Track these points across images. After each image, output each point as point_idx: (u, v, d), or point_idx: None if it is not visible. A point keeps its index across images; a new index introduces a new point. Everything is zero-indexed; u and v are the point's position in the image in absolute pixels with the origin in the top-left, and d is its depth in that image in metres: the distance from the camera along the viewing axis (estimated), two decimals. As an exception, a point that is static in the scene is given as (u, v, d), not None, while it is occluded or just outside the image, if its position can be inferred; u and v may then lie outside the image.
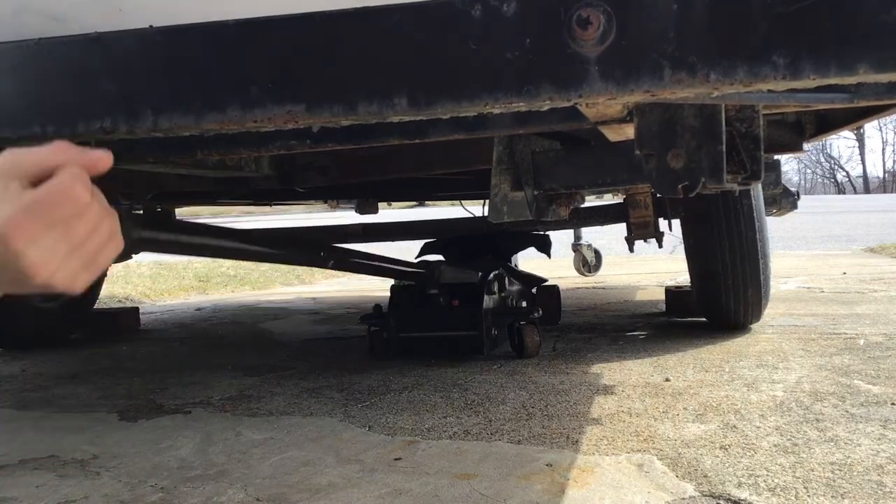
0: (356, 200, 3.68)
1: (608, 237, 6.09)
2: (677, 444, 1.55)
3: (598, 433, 1.65)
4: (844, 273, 4.59)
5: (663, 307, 3.25)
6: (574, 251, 4.68)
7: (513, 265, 3.13)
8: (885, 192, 45.61)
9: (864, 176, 52.60)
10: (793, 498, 1.27)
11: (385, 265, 2.03)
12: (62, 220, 0.58)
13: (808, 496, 1.27)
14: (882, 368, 2.10)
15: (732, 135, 0.93)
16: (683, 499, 1.29)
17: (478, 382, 2.16)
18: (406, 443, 1.65)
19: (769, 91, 0.67)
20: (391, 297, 2.55)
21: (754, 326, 2.79)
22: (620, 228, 2.58)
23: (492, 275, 2.52)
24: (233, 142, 1.08)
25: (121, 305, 4.17)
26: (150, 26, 0.75)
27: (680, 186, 0.85)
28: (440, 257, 2.98)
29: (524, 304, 2.70)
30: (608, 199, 3.62)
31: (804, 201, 4.60)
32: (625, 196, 2.50)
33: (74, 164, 0.60)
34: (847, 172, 54.61)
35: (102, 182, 0.66)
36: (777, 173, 2.24)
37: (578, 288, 4.37)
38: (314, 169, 1.93)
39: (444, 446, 1.62)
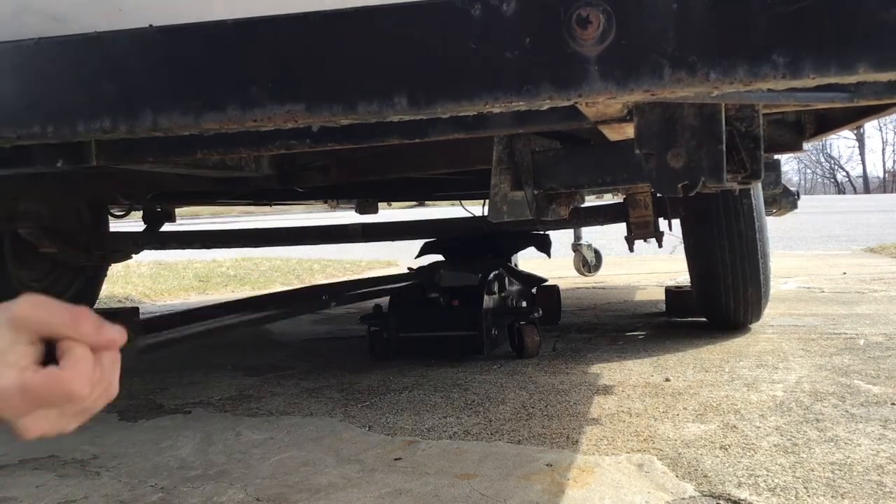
0: (356, 200, 3.68)
1: (608, 237, 6.09)
2: (677, 444, 1.55)
3: (598, 433, 1.65)
4: (844, 273, 4.59)
5: (663, 307, 3.25)
6: (574, 251, 4.68)
7: (513, 265, 3.13)
8: (885, 192, 45.61)
9: (864, 176, 52.61)
10: (793, 498, 1.27)
11: (384, 287, 2.04)
12: (56, 405, 0.60)
13: (808, 496, 1.27)
14: (882, 368, 2.10)
15: (732, 134, 0.93)
16: (683, 499, 1.29)
17: (478, 382, 2.16)
18: (406, 443, 1.65)
19: (769, 90, 0.66)
20: (391, 298, 2.55)
21: (754, 326, 2.79)
22: (620, 228, 2.58)
23: (492, 275, 2.52)
24: (232, 141, 1.08)
25: (121, 305, 4.17)
26: (150, 26, 0.75)
27: (680, 186, 0.85)
28: (440, 257, 2.98)
29: (524, 304, 2.70)
30: (608, 199, 3.62)
31: (804, 201, 4.59)
32: (625, 196, 2.50)
33: (89, 342, 0.61)
34: (847, 172, 54.63)
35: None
36: (777, 173, 2.24)
37: (578, 288, 4.36)
38: (314, 169, 1.93)
39: (444, 446, 1.62)
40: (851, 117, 1.36)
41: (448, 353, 2.49)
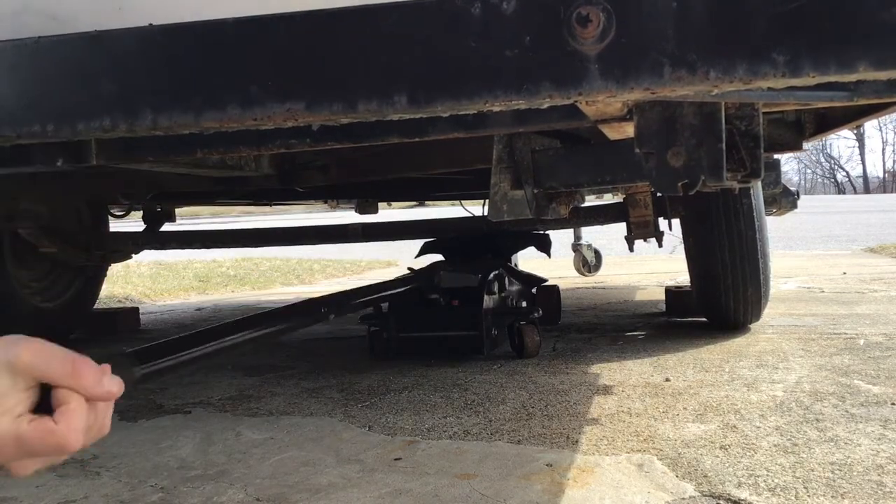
0: (356, 200, 3.68)
1: (608, 237, 6.10)
2: (677, 444, 1.55)
3: (598, 433, 1.65)
4: (844, 273, 4.59)
5: (663, 307, 3.25)
6: (574, 251, 4.68)
7: (513, 265, 3.13)
8: (885, 192, 45.63)
9: (864, 176, 52.63)
10: (793, 498, 1.27)
11: (383, 293, 2.04)
12: (49, 455, 0.60)
13: (808, 496, 1.27)
14: (882, 368, 2.10)
15: (732, 133, 0.93)
16: (683, 499, 1.29)
17: (478, 382, 2.16)
18: (406, 443, 1.65)
19: (769, 89, 0.67)
20: (391, 298, 2.55)
21: (754, 326, 2.79)
22: (620, 228, 2.58)
23: (492, 275, 2.52)
24: (233, 140, 1.08)
25: (121, 305, 4.17)
26: (150, 24, 0.75)
27: (680, 184, 0.85)
28: (440, 257, 2.98)
29: (524, 304, 2.70)
30: (608, 199, 3.62)
31: (804, 201, 4.59)
32: (625, 195, 2.50)
33: (88, 393, 0.61)
34: (847, 172, 54.66)
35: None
36: (777, 173, 2.24)
37: (578, 288, 4.36)
38: (314, 168, 1.93)
39: (444, 446, 1.62)
40: (851, 116, 1.36)
41: (448, 353, 2.49)
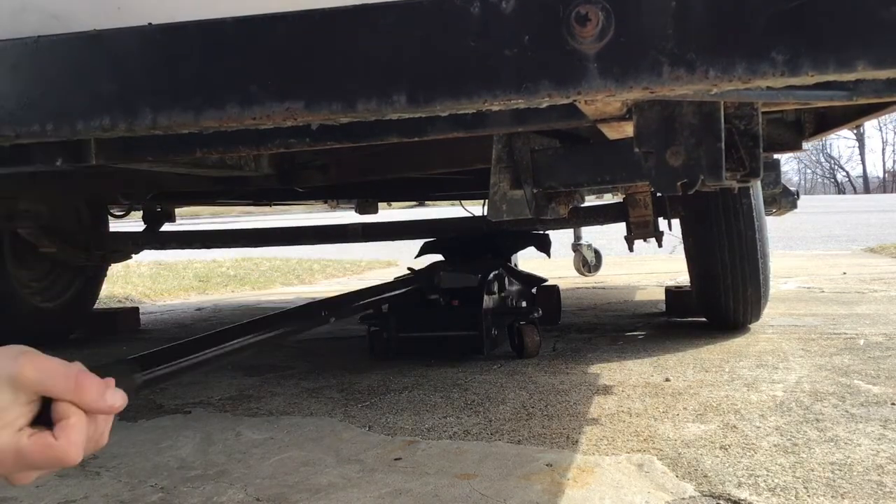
0: (356, 200, 3.68)
1: (608, 237, 6.10)
2: (677, 444, 1.55)
3: (598, 433, 1.65)
4: (844, 273, 4.59)
5: (663, 307, 3.25)
6: (574, 251, 4.68)
7: (513, 265, 3.13)
8: (885, 192, 45.63)
9: (864, 176, 52.63)
10: (793, 498, 1.27)
11: (382, 295, 2.05)
12: (47, 468, 0.61)
13: (808, 496, 1.27)
14: (882, 368, 2.10)
15: (731, 132, 0.93)
16: (683, 499, 1.29)
17: (478, 382, 2.16)
18: (406, 443, 1.65)
19: (768, 88, 0.67)
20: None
21: (754, 326, 2.79)
22: (620, 228, 2.58)
23: (491, 275, 2.52)
24: (232, 140, 1.08)
25: (121, 305, 4.17)
26: (149, 24, 0.75)
27: (679, 184, 0.85)
28: (440, 256, 2.98)
29: (524, 304, 2.70)
30: (608, 199, 3.62)
31: (804, 201, 4.59)
32: (624, 195, 2.50)
33: (90, 408, 0.61)
34: (847, 172, 54.67)
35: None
36: (777, 173, 2.24)
37: (578, 288, 4.36)
38: (314, 168, 1.93)
39: (444, 446, 1.62)
40: (851, 116, 1.36)
41: (448, 353, 2.49)
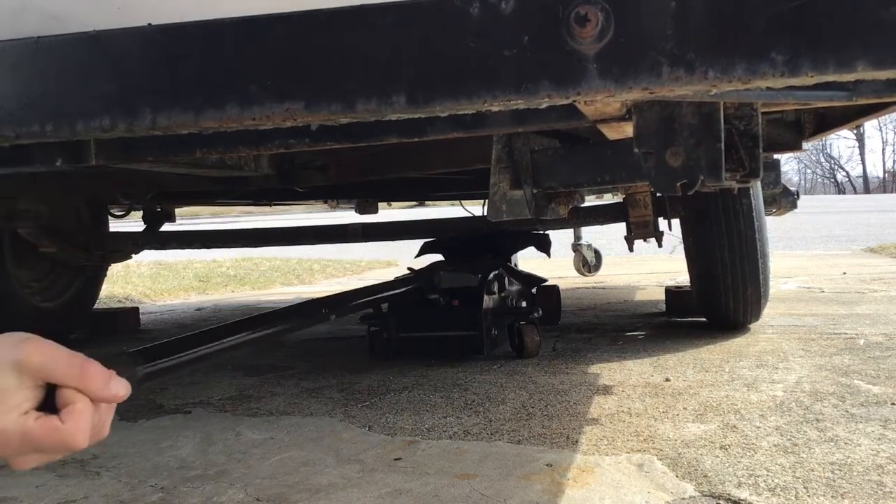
0: (356, 200, 3.68)
1: (608, 237, 6.10)
2: (677, 444, 1.55)
3: (598, 433, 1.65)
4: (844, 273, 4.59)
5: (663, 307, 3.25)
6: (574, 251, 4.68)
7: (513, 265, 3.13)
8: (885, 192, 45.62)
9: (864, 176, 52.63)
10: (793, 498, 1.27)
11: (382, 294, 2.05)
12: (52, 452, 0.61)
13: (808, 496, 1.27)
14: (882, 368, 2.10)
15: (731, 133, 0.93)
16: (683, 499, 1.29)
17: (478, 382, 2.16)
18: (406, 443, 1.65)
19: (768, 88, 0.67)
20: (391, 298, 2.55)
21: (754, 326, 2.79)
22: (620, 228, 2.58)
23: (491, 275, 2.52)
24: (232, 140, 1.08)
25: (121, 305, 4.17)
26: (149, 24, 0.75)
27: (678, 184, 0.85)
28: (440, 256, 2.98)
29: (524, 304, 2.70)
30: (608, 199, 3.62)
31: (804, 201, 4.59)
32: (624, 195, 2.50)
33: (95, 395, 0.61)
34: (847, 172, 54.67)
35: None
36: (776, 173, 2.24)
37: (578, 288, 4.36)
38: (313, 168, 1.93)
39: (444, 446, 1.62)
40: (851, 116, 1.36)
41: (448, 353, 2.49)
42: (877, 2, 0.61)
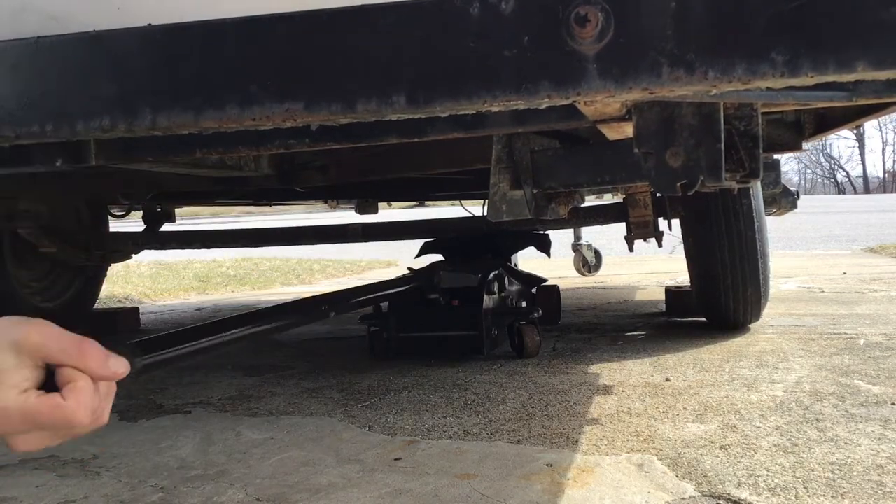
0: (356, 200, 3.68)
1: (608, 237, 6.10)
2: (677, 444, 1.55)
3: (598, 433, 1.65)
4: (844, 273, 4.59)
5: (663, 307, 3.25)
6: (574, 251, 4.68)
7: (513, 265, 3.13)
8: (885, 192, 45.63)
9: (864, 176, 52.63)
10: (793, 498, 1.27)
11: (382, 293, 2.05)
12: (54, 430, 0.61)
13: (808, 496, 1.27)
14: (882, 368, 2.10)
15: (731, 133, 0.93)
16: (683, 499, 1.29)
17: (478, 382, 2.16)
18: (406, 443, 1.65)
19: (768, 89, 0.67)
20: (391, 298, 2.55)
21: (754, 326, 2.79)
22: (620, 228, 2.58)
23: (491, 275, 2.52)
24: (232, 140, 1.08)
25: (121, 305, 4.17)
26: (149, 24, 0.75)
27: (678, 184, 0.85)
28: (440, 257, 2.98)
29: (524, 304, 2.70)
30: (608, 199, 3.62)
31: (804, 201, 4.59)
32: (624, 196, 2.50)
33: (94, 373, 0.61)
34: (847, 172, 54.67)
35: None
36: (776, 173, 2.24)
37: (578, 288, 4.37)
38: (313, 168, 1.93)
39: (444, 446, 1.62)
40: (851, 116, 1.36)
41: (448, 353, 2.49)
42: (877, 2, 0.61)
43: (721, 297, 2.61)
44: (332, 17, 0.71)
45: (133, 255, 3.28)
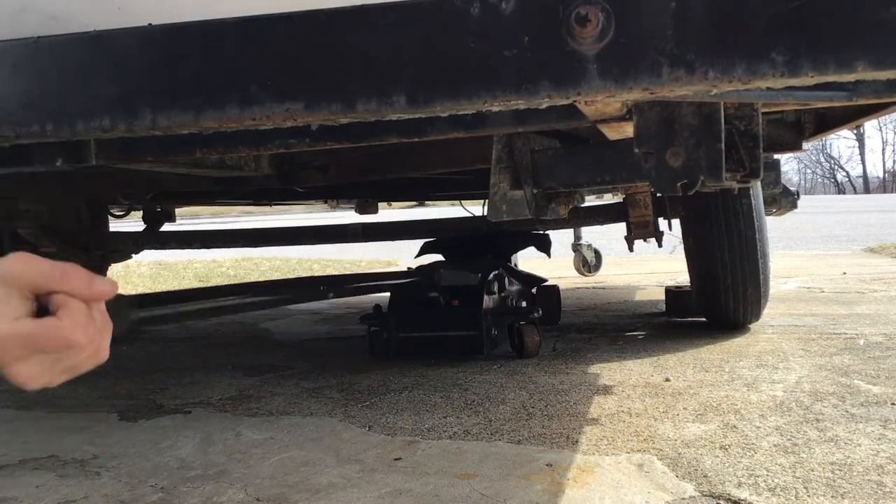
0: (356, 200, 3.68)
1: (608, 237, 6.10)
2: (677, 444, 1.55)
3: (598, 433, 1.65)
4: (844, 273, 4.59)
5: (663, 307, 3.25)
6: (574, 251, 4.68)
7: (513, 265, 3.13)
8: (885, 192, 45.63)
9: (864, 176, 52.62)
10: (793, 498, 1.27)
11: (382, 283, 2.05)
12: (53, 352, 0.61)
13: (808, 496, 1.27)
14: (882, 368, 2.10)
15: (731, 133, 0.93)
16: (683, 499, 1.29)
17: (478, 382, 2.16)
18: (406, 443, 1.65)
19: (768, 89, 0.67)
20: (391, 297, 2.55)
21: (754, 326, 2.79)
22: (620, 228, 2.58)
23: (492, 275, 2.52)
24: (232, 140, 1.08)
25: (121, 306, 4.16)
26: (149, 24, 0.75)
27: (679, 184, 0.85)
28: (440, 256, 2.98)
29: (524, 304, 2.70)
30: (608, 199, 3.62)
31: (804, 201, 4.59)
32: (624, 195, 2.50)
33: (81, 294, 0.62)
34: (847, 172, 54.66)
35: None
36: (777, 173, 2.24)
37: (578, 288, 4.37)
38: (313, 168, 1.93)
39: (444, 446, 1.62)
40: (851, 116, 1.36)
41: (448, 353, 2.49)
42: (877, 2, 0.61)
43: (721, 297, 2.61)
44: (332, 17, 0.71)
45: (133, 255, 3.28)
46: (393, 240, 3.11)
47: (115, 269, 5.19)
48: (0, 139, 0.81)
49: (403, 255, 5.93)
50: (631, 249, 2.61)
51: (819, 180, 57.50)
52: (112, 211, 3.14)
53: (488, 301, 2.43)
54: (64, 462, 1.63)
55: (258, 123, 0.73)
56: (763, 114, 1.04)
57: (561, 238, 4.06)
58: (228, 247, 3.23)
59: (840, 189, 52.36)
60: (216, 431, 1.80)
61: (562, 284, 3.29)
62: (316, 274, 5.90)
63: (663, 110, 0.84)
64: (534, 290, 2.98)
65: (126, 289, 4.92)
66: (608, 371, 2.23)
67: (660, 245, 2.65)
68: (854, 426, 1.61)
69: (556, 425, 1.72)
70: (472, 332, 2.41)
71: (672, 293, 3.18)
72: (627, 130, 0.98)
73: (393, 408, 1.93)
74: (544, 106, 0.70)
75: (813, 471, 1.37)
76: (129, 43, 0.76)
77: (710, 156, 0.84)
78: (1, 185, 2.15)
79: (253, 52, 0.73)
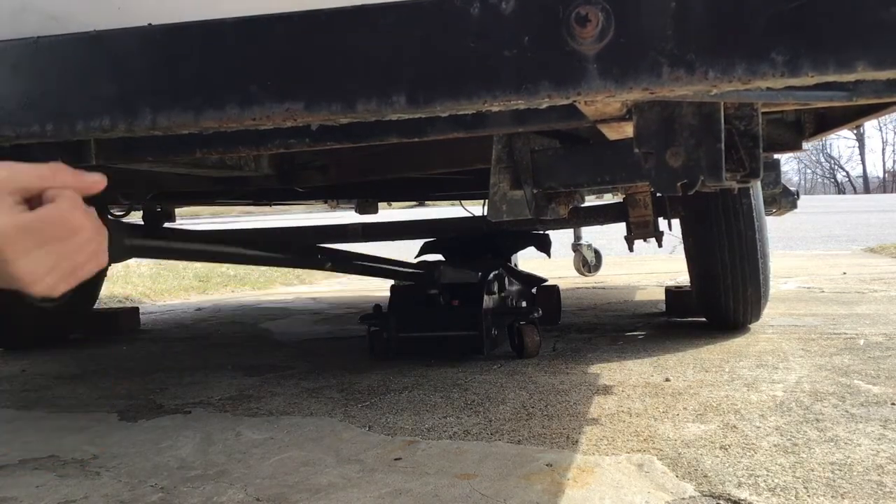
0: (356, 200, 3.68)
1: (608, 237, 6.10)
2: (677, 444, 1.55)
3: (598, 433, 1.65)
4: (844, 273, 4.59)
5: (663, 307, 3.25)
6: (574, 251, 4.68)
7: (513, 265, 3.13)
8: (885, 192, 45.63)
9: (864, 176, 52.63)
10: (793, 498, 1.27)
11: (384, 266, 2.04)
12: (55, 240, 0.60)
13: (808, 496, 1.27)
14: (882, 368, 2.10)
15: (731, 133, 0.93)
16: (683, 499, 1.29)
17: (478, 382, 2.16)
18: (406, 443, 1.65)
19: (768, 89, 0.67)
20: (391, 297, 2.55)
21: (754, 326, 2.79)
22: (620, 228, 2.58)
23: (492, 275, 2.52)
24: (232, 140, 1.08)
25: (121, 305, 4.17)
26: (149, 24, 0.75)
27: (679, 184, 0.85)
28: (440, 256, 2.98)
29: (524, 304, 2.70)
30: (608, 199, 3.62)
31: (804, 201, 4.59)
32: (624, 195, 2.50)
33: (71, 187, 0.62)
34: (847, 172, 54.68)
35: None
36: (776, 173, 2.24)
37: (578, 288, 4.37)
38: (313, 168, 1.93)
39: (444, 446, 1.62)
40: (851, 116, 1.36)
41: (448, 353, 2.49)
42: (877, 2, 0.61)
43: (721, 297, 2.61)
44: (332, 17, 0.71)
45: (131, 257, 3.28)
46: (393, 240, 3.11)
47: (115, 269, 5.20)
48: (0, 139, 0.81)
49: (403, 256, 5.92)
50: (631, 249, 2.61)
51: (819, 180, 57.52)
52: (112, 211, 3.14)
53: (488, 301, 2.43)
54: (64, 462, 1.63)
55: (258, 123, 0.73)
56: (763, 114, 1.05)
57: (561, 238, 4.07)
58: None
59: (840, 189, 52.37)
60: (216, 431, 1.80)
61: (562, 284, 3.29)
62: (315, 272, 5.90)
63: (663, 110, 0.84)
64: (534, 290, 2.98)
65: (126, 289, 4.92)
66: (608, 371, 2.23)
67: (660, 245, 2.65)
68: (854, 426, 1.61)
69: (556, 425, 1.72)
70: (472, 332, 2.41)
71: (672, 293, 3.18)
72: (627, 130, 0.98)
73: (393, 408, 1.93)
74: (544, 106, 0.70)
75: (813, 471, 1.37)
76: (129, 43, 0.76)
77: (710, 156, 0.84)
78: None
79: (253, 52, 0.73)
